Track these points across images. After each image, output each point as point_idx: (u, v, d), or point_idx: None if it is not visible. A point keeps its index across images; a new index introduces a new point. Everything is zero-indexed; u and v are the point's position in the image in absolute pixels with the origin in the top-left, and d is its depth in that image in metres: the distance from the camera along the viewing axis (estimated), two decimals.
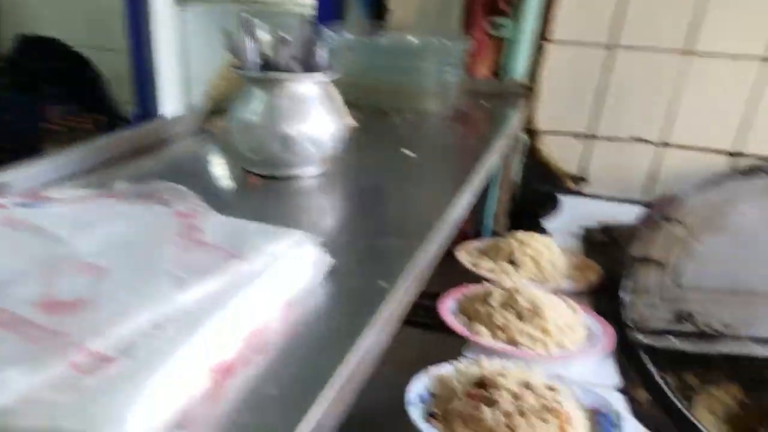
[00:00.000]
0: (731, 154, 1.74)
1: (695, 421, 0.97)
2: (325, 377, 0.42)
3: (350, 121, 1.17)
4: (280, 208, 0.83)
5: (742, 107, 1.71)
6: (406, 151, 1.10)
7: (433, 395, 0.96)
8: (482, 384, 0.93)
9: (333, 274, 0.60)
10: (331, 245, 0.62)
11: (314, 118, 0.91)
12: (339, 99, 1.03)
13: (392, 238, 0.73)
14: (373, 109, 1.42)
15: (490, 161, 1.15)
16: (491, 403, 0.88)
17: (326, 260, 0.59)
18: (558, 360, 1.08)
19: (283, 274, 0.53)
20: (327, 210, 0.88)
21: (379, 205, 0.89)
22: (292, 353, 0.47)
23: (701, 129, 1.75)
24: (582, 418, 0.92)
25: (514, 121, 1.56)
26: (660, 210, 1.46)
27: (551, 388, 0.93)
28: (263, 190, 0.91)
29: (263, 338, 0.47)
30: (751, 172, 1.56)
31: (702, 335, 1.13)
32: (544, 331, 1.13)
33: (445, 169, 1.15)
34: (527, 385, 0.92)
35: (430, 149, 1.25)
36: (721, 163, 1.75)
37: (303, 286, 0.56)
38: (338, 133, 0.95)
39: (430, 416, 0.91)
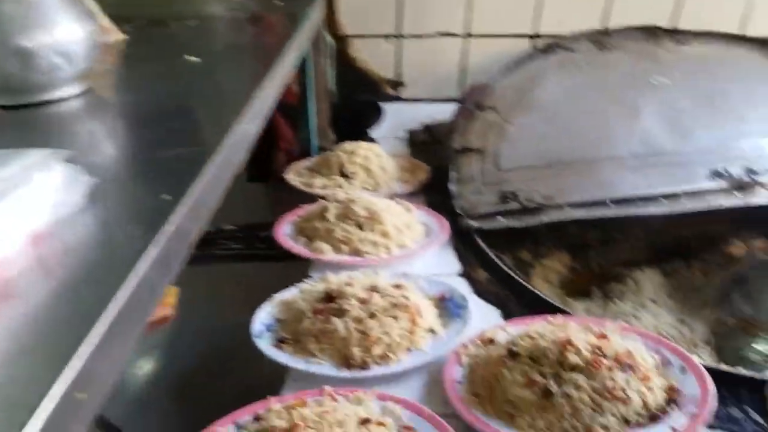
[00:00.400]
0: (531, 37, 1.84)
1: (533, 288, 1.03)
2: (92, 317, 0.32)
3: (115, 32, 1.00)
4: (34, 143, 0.66)
5: None
6: (191, 58, 0.97)
7: (280, 321, 0.91)
8: (329, 298, 0.89)
9: (103, 194, 0.49)
10: (100, 165, 0.50)
11: (58, 25, 0.73)
12: (89, 2, 0.86)
13: (178, 149, 0.62)
14: (147, 20, 1.24)
15: (288, 62, 1.06)
16: (341, 313, 0.85)
17: (85, 180, 0.47)
18: (401, 259, 1.09)
19: (22, 201, 0.41)
20: (96, 133, 0.72)
21: (162, 118, 0.75)
22: (48, 294, 0.37)
23: (501, 16, 1.81)
24: (430, 306, 0.93)
25: (313, 19, 1.45)
26: (472, 100, 1.50)
27: (398, 286, 0.93)
28: (6, 126, 0.72)
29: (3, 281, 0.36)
30: (548, 49, 1.66)
31: (526, 210, 1.20)
32: (384, 234, 1.12)
33: (237, 73, 1.03)
34: (374, 289, 0.90)
35: (219, 54, 1.12)
36: (524, 46, 1.84)
37: (55, 213, 0.43)
38: (93, 42, 0.78)
39: (280, 342, 0.86)
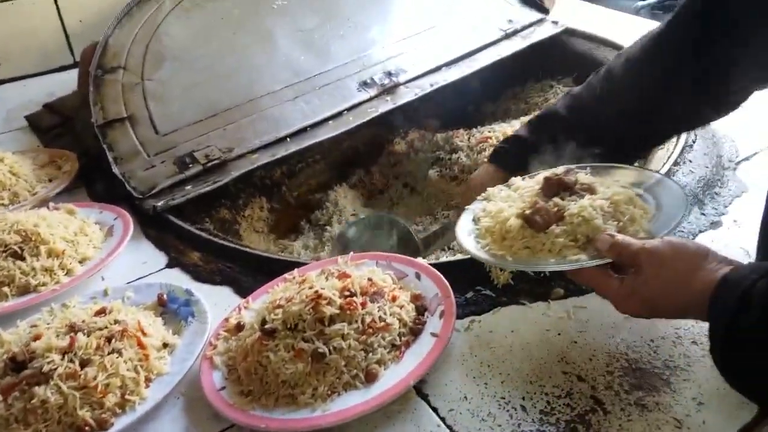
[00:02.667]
0: None
1: (253, 250, 0.96)
2: None
3: None
4: None
5: None
6: None
7: None
8: (18, 364, 0.68)
9: None
10: None
11: None
12: None
13: None
14: None
15: None
16: (44, 378, 0.66)
17: None
18: (89, 275, 0.89)
19: None
20: None
21: None
22: None
23: None
24: (151, 317, 0.79)
25: None
26: (94, 64, 1.26)
27: (101, 312, 0.76)
28: None
29: None
30: None
31: (210, 170, 1.10)
32: (55, 254, 0.90)
33: None
34: (73, 328, 0.71)
35: None
36: None
37: None
38: None
39: None
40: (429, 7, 1.55)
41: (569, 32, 1.58)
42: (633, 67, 0.88)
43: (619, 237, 0.66)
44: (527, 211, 0.73)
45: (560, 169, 0.78)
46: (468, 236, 0.78)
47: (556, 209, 0.72)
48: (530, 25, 1.56)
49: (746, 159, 1.05)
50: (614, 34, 1.55)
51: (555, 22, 1.58)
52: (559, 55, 1.60)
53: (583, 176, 0.77)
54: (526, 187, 0.79)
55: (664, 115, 0.87)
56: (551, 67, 1.61)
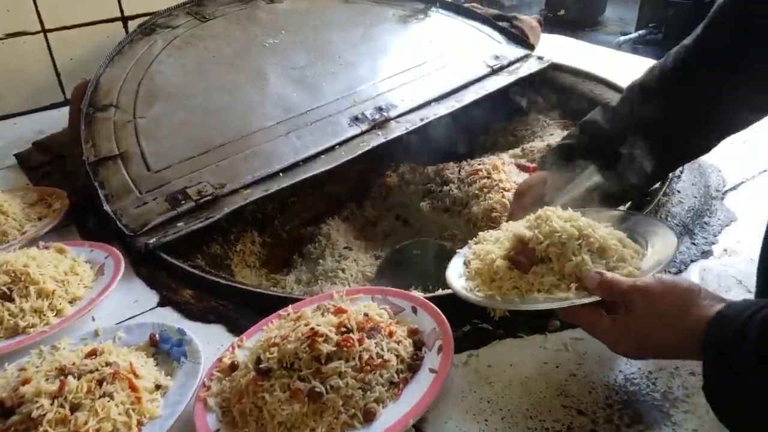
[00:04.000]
0: (122, 19, 1.64)
1: (246, 286, 0.95)
2: None
3: None
4: None
5: None
6: None
7: None
8: (5, 410, 0.66)
9: None
10: None
11: None
12: None
13: None
14: None
15: None
16: (33, 424, 0.64)
17: None
18: (80, 316, 0.87)
19: None
20: None
21: None
22: None
23: (80, 1, 1.57)
24: (143, 358, 0.77)
25: None
26: (85, 102, 1.27)
27: (92, 353, 0.74)
28: None
29: None
30: (148, 30, 1.51)
31: (202, 206, 1.09)
32: (45, 295, 0.89)
33: None
34: (63, 371, 0.70)
35: None
36: (119, 31, 1.63)
37: None
38: None
39: None
40: (418, 45, 1.58)
41: (554, 67, 1.62)
42: (670, 78, 0.87)
43: (608, 275, 0.66)
44: (512, 253, 0.74)
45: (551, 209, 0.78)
46: (458, 279, 0.78)
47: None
48: (516, 60, 1.60)
49: (733, 188, 1.07)
50: (597, 68, 1.59)
51: (540, 58, 1.61)
52: (544, 89, 1.64)
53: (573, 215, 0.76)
54: (515, 227, 0.79)
55: (706, 122, 0.86)
56: (538, 101, 1.64)
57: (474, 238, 0.86)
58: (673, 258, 0.71)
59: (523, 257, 0.73)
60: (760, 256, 0.72)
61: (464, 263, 0.81)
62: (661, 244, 0.74)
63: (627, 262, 0.71)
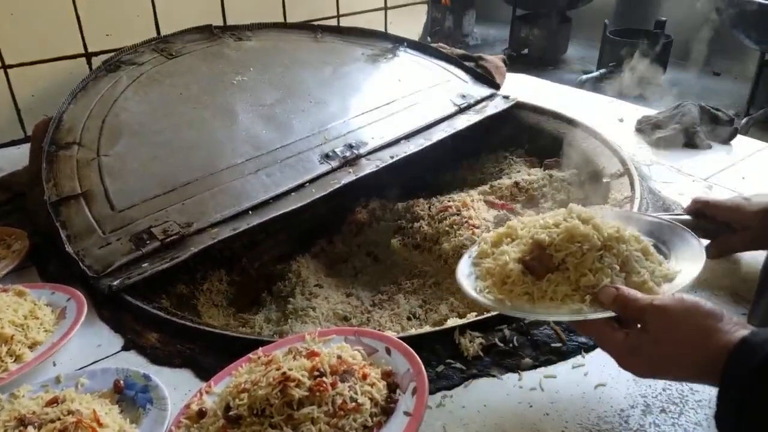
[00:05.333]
0: (86, 56, 1.63)
1: (207, 327, 0.93)
2: None
3: None
4: None
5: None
6: None
7: None
8: None
9: None
10: None
11: None
12: None
13: None
14: None
15: None
16: None
17: None
18: (39, 362, 0.83)
19: None
20: None
21: None
22: None
23: (45, 36, 1.55)
24: (107, 405, 0.74)
25: None
26: (47, 139, 1.25)
27: (53, 401, 0.71)
28: None
29: None
30: (112, 67, 1.50)
31: (168, 246, 1.07)
32: (2, 340, 0.84)
33: None
34: (23, 421, 0.67)
35: None
36: (82, 68, 1.62)
37: None
38: None
39: None
40: (387, 84, 1.61)
41: (519, 106, 1.66)
42: None
43: (624, 290, 0.64)
44: (527, 257, 0.72)
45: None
46: (468, 277, 0.76)
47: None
48: (482, 99, 1.63)
49: None
50: (561, 105, 1.64)
51: (506, 97, 1.66)
52: (510, 127, 1.68)
53: (604, 219, 0.74)
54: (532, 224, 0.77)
55: None
56: (504, 139, 1.68)
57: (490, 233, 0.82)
58: (699, 276, 0.67)
59: (539, 263, 0.70)
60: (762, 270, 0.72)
61: (472, 263, 0.79)
62: (688, 258, 0.71)
63: (646, 275, 0.69)
